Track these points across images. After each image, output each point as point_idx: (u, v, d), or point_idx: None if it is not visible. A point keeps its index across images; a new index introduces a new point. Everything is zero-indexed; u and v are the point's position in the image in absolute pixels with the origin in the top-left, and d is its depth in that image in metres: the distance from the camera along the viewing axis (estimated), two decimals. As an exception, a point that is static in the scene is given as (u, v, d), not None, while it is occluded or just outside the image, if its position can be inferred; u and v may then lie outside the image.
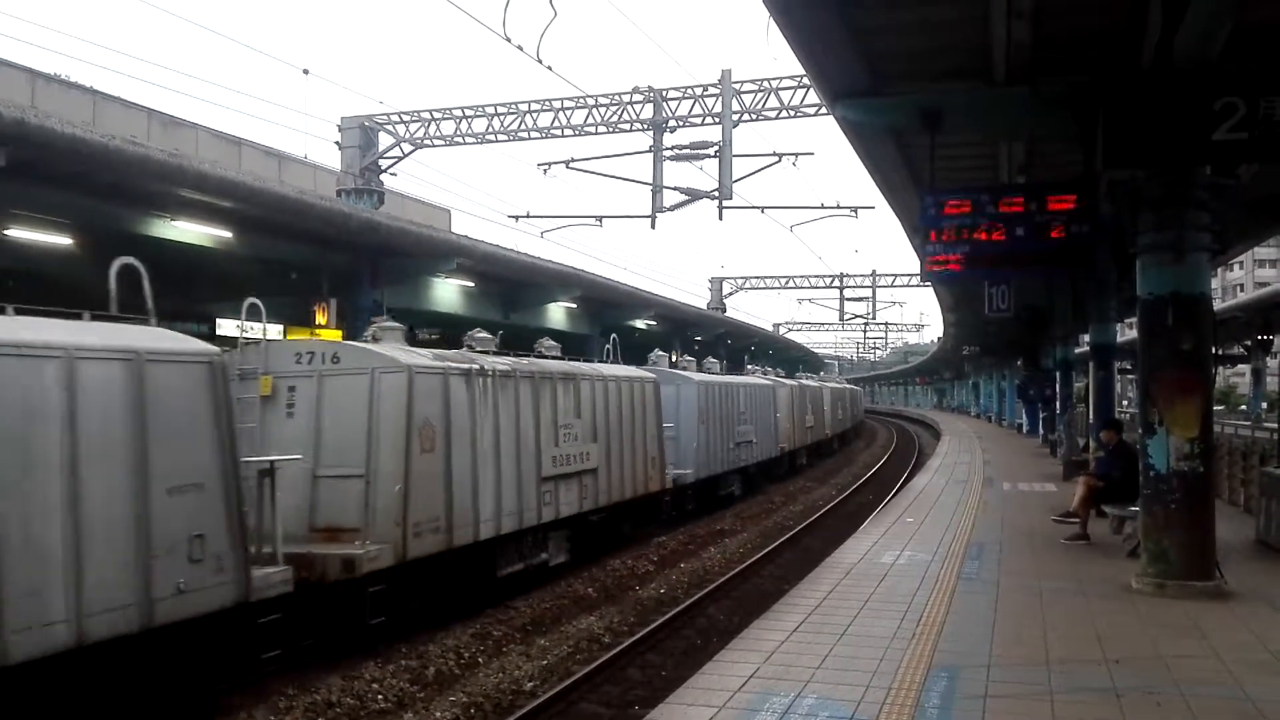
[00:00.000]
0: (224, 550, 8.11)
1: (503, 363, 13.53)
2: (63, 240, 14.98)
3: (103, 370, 7.26)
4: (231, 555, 8.20)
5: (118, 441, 7.31)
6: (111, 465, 7.25)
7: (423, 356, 11.87)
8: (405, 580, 10.82)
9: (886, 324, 78.07)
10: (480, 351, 13.66)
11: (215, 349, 8.60)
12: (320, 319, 20.33)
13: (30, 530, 6.62)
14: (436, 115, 29.57)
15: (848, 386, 59.09)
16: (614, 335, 20.43)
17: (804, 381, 42.43)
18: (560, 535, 14.74)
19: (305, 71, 28.88)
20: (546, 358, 15.47)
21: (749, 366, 34.28)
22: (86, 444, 7.03)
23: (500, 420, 12.96)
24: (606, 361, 20.09)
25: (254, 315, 10.50)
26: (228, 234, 16.65)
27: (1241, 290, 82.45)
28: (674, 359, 26.56)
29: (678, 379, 22.12)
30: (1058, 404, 28.77)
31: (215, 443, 8.15)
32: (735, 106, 26.27)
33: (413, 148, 29.91)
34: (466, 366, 12.40)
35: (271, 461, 9.33)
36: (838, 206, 33.23)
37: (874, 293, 56.35)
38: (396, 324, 12.67)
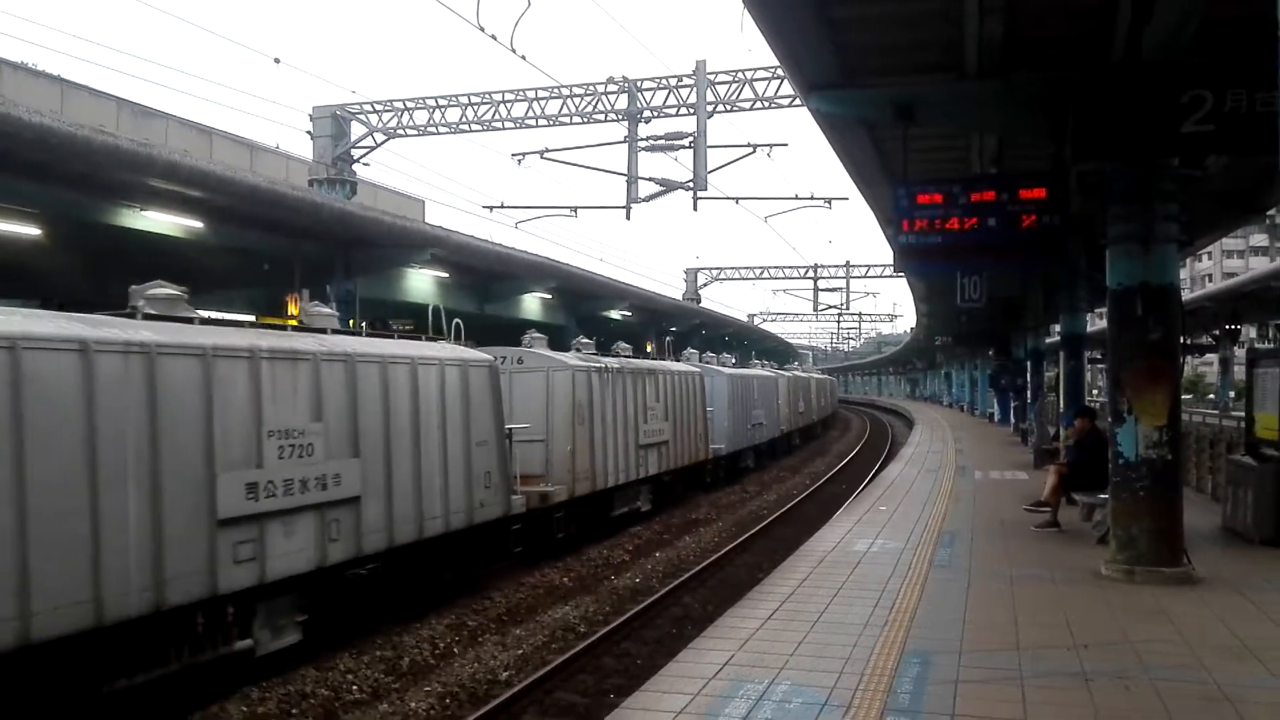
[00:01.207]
0: (499, 482, 13.26)
1: (612, 362, 18.56)
2: (31, 230, 14.81)
3: (455, 370, 12.51)
4: (503, 485, 13.33)
5: (458, 414, 12.45)
6: (457, 428, 12.39)
7: (578, 359, 17.35)
8: (574, 510, 16.03)
9: (860, 314, 78.42)
10: (589, 354, 18.34)
11: (491, 357, 13.70)
12: (293, 310, 20.19)
13: (434, 471, 11.81)
14: (409, 105, 29.39)
15: (824, 377, 59.42)
16: (668, 336, 21.23)
17: (796, 373, 43.85)
18: (647, 489, 20.03)
19: (276, 60, 28.46)
20: (622, 357, 19.76)
21: (723, 356, 34.33)
22: (449, 415, 12.24)
23: (615, 405, 18.08)
24: (649, 357, 24.89)
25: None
26: (199, 224, 16.51)
27: (1210, 281, 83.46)
28: (649, 350, 26.60)
29: (713, 372, 26.79)
30: (1029, 393, 29.02)
31: (495, 416, 13.33)
32: (710, 97, 26.27)
33: (385, 137, 29.70)
34: (599, 366, 17.65)
35: (510, 429, 13.94)
36: (812, 198, 33.33)
37: (848, 283, 56.69)
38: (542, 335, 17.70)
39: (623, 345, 20.94)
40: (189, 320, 9.16)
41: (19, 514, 6.96)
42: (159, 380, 8.14)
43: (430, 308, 14.76)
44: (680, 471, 22.10)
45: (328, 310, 11.69)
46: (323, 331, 11.04)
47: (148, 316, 8.75)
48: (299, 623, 9.86)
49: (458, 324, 14.36)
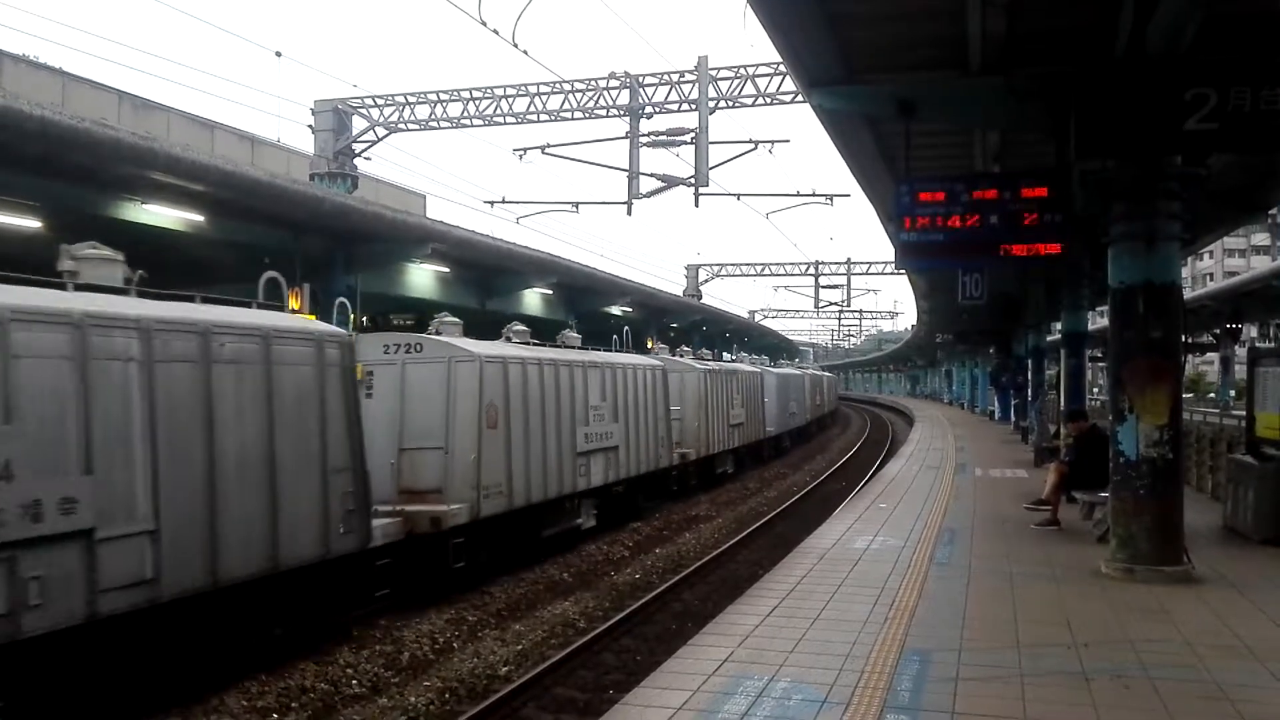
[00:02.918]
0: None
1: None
2: (32, 223, 14.79)
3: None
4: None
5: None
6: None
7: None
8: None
9: (861, 311, 78.34)
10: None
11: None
12: (293, 304, 20.15)
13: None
14: (411, 99, 29.37)
15: (824, 374, 59.41)
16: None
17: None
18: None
19: (278, 54, 28.47)
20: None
21: (725, 355, 34.43)
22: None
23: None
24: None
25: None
26: (200, 218, 16.49)
27: (1211, 279, 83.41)
28: (650, 346, 26.57)
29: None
30: (1029, 391, 29.01)
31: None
32: (712, 93, 26.25)
33: (387, 132, 29.70)
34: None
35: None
36: (813, 194, 33.32)
37: (849, 280, 56.52)
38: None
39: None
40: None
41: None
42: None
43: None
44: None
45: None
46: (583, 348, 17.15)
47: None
48: (594, 514, 17.15)
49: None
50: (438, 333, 14.03)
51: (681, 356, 26.29)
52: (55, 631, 7.19)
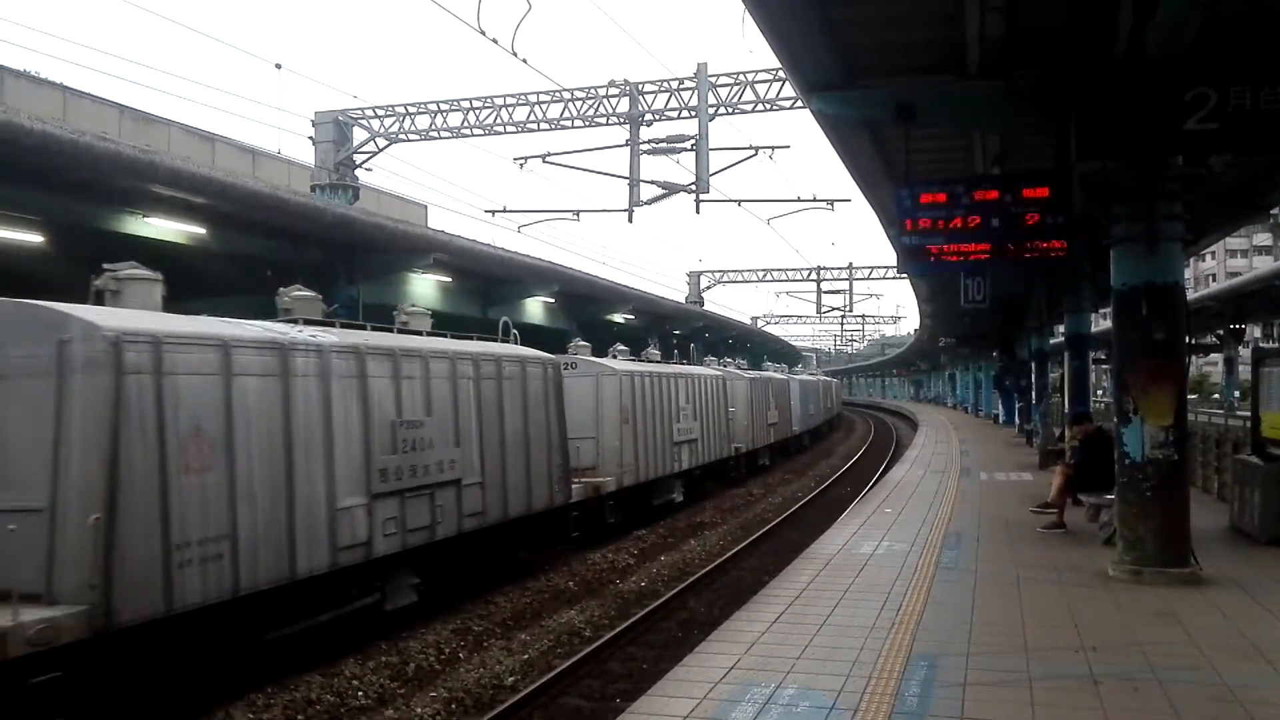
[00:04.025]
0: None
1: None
2: (33, 237, 14.82)
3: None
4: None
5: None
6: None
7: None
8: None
9: (863, 316, 78.31)
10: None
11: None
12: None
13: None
14: (411, 109, 29.40)
15: (819, 379, 59.38)
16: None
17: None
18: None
19: (278, 66, 28.52)
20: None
21: (708, 358, 34.37)
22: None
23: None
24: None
25: None
26: (201, 230, 16.52)
27: (1214, 280, 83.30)
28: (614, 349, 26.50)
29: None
30: (1033, 394, 28.95)
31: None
32: (711, 100, 26.24)
33: (387, 142, 29.72)
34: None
35: None
36: (814, 200, 33.27)
37: (851, 285, 56.46)
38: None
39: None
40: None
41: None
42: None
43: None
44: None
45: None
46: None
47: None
48: (682, 490, 22.11)
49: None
50: (576, 354, 19.18)
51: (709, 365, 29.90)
52: (446, 539, 11.90)
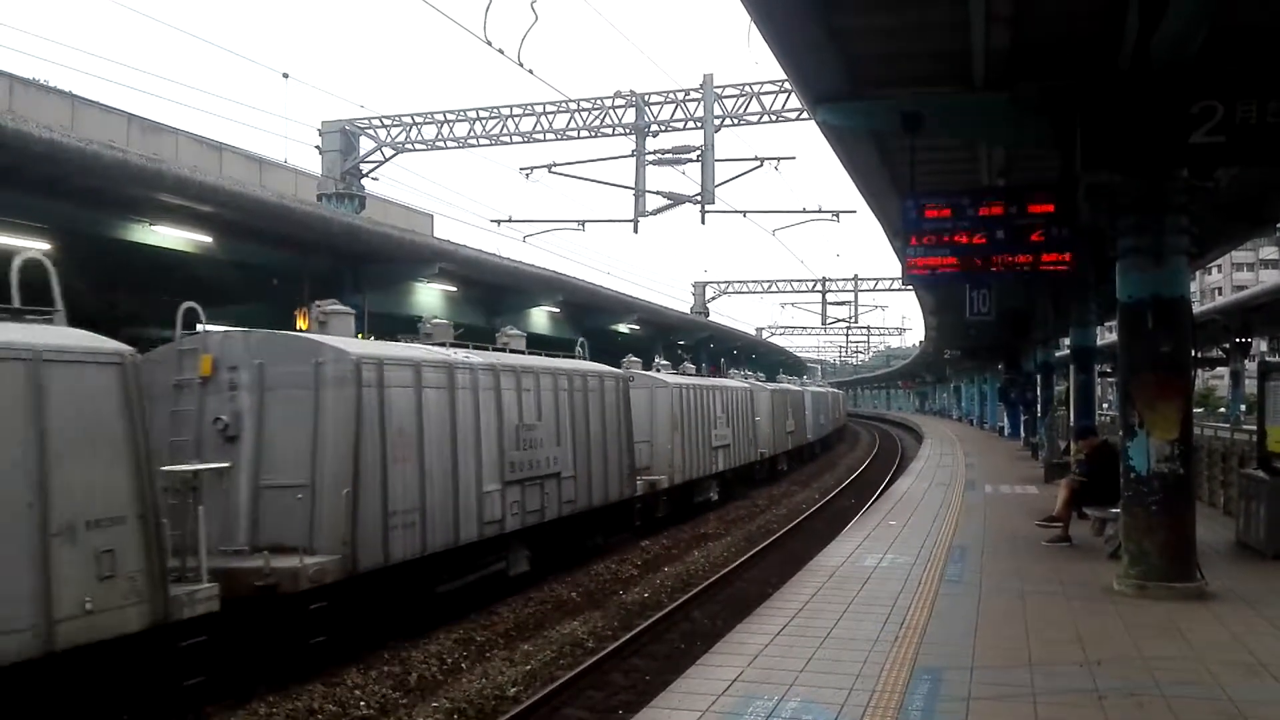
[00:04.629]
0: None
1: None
2: (40, 245, 14.84)
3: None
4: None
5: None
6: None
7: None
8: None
9: (869, 328, 78.20)
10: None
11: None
12: (301, 324, 20.19)
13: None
14: (418, 119, 29.46)
15: (825, 390, 59.38)
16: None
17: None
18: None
19: (285, 75, 28.95)
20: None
21: (732, 371, 34.72)
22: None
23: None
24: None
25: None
26: (208, 239, 16.55)
27: (1220, 293, 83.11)
28: (658, 363, 26.56)
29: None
30: (1039, 407, 28.90)
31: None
32: (717, 111, 26.25)
33: (394, 152, 29.78)
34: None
35: None
36: (819, 211, 33.29)
37: (856, 296, 56.29)
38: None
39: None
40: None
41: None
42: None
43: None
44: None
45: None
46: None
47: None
48: (718, 491, 24.69)
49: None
50: (629, 369, 20.94)
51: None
52: (550, 521, 14.46)
